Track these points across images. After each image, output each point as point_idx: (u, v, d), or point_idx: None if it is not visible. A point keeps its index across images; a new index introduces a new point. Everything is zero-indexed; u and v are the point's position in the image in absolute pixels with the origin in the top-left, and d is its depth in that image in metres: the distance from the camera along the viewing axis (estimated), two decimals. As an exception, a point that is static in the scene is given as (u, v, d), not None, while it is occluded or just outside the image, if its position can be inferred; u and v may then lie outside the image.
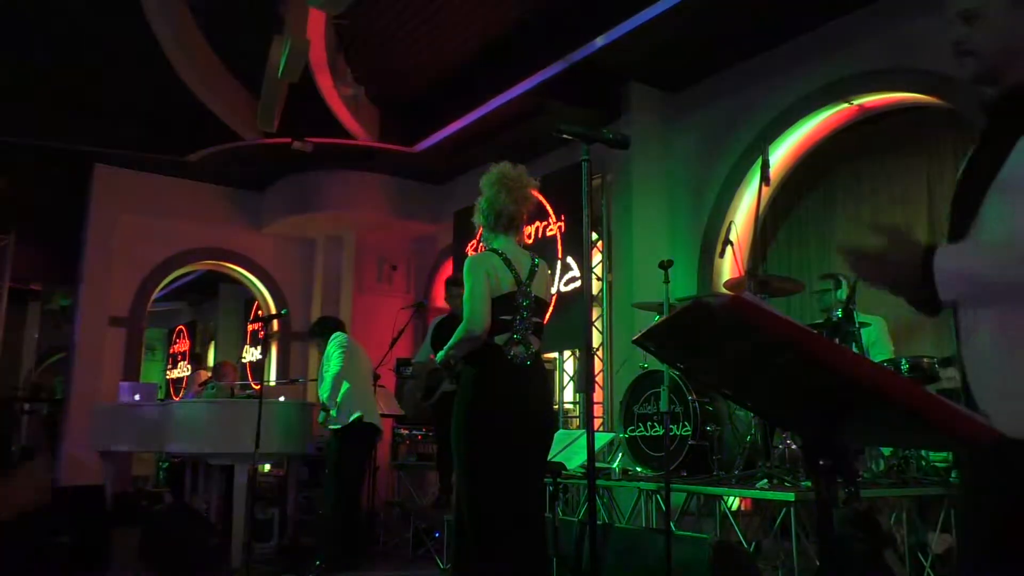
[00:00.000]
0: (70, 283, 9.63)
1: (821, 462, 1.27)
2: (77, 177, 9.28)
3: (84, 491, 6.14)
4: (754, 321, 1.04)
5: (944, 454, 4.23)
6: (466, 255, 8.42)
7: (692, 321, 1.21)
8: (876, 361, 4.54)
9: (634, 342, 1.51)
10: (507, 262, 3.20)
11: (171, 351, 16.02)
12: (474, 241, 8.59)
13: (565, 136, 2.52)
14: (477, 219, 3.37)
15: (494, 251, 3.25)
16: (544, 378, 3.30)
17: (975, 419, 1.03)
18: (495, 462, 3.03)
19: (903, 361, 4.45)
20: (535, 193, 3.35)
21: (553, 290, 5.53)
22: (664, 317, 1.28)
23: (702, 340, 1.29)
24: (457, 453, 3.10)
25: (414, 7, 6.22)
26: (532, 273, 3.25)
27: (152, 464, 9.89)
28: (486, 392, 3.10)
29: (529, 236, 7.83)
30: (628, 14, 5.78)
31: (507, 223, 3.29)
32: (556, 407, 6.67)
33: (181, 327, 15.88)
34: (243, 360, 12.34)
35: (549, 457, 4.15)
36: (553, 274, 7.34)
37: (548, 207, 7.58)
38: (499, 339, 3.13)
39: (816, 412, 1.22)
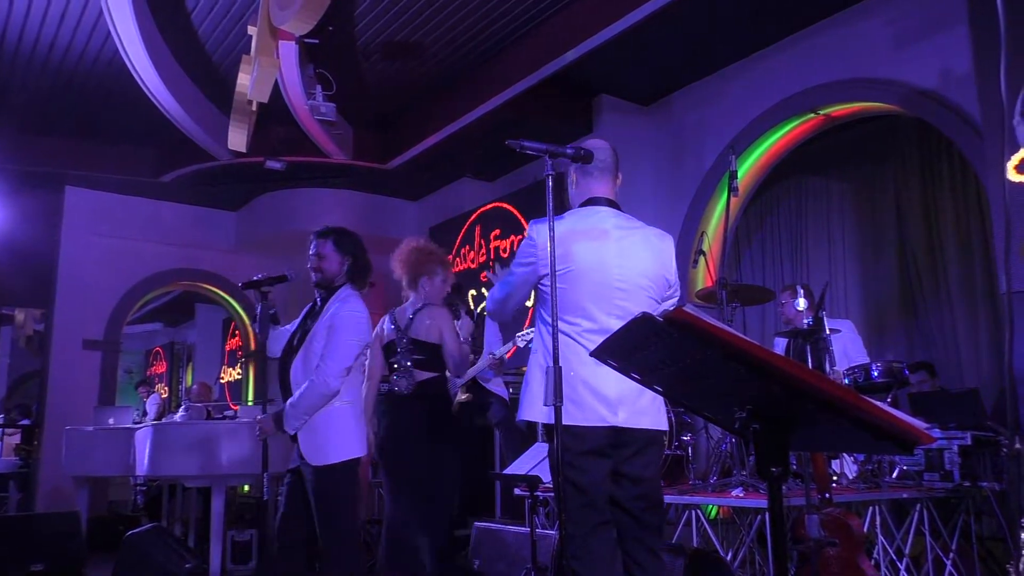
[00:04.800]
0: (43, 307, 9.52)
1: (773, 469, 1.29)
2: (48, 199, 9.20)
3: (59, 517, 6.05)
4: (697, 333, 1.06)
5: (915, 457, 4.28)
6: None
7: (642, 334, 1.23)
8: (854, 367, 4.60)
9: (592, 355, 1.54)
10: (392, 317, 4.19)
11: (148, 373, 15.86)
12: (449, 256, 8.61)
13: (528, 152, 2.55)
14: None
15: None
16: (418, 405, 4.02)
17: (914, 424, 1.06)
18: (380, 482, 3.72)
19: (873, 367, 4.50)
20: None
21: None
22: (617, 331, 1.30)
23: (654, 352, 1.31)
24: None
25: (383, 25, 6.25)
26: (410, 322, 4.11)
27: (128, 488, 9.77)
28: (376, 421, 4.07)
29: (505, 251, 7.87)
30: (598, 28, 5.84)
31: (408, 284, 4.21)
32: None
33: (158, 349, 15.74)
34: (221, 381, 12.24)
35: (528, 470, 4.17)
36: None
37: (523, 221, 7.63)
38: (387, 376, 4.02)
39: (765, 420, 1.24)
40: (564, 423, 2.46)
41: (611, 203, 2.75)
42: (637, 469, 2.59)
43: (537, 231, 2.61)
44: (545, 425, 2.54)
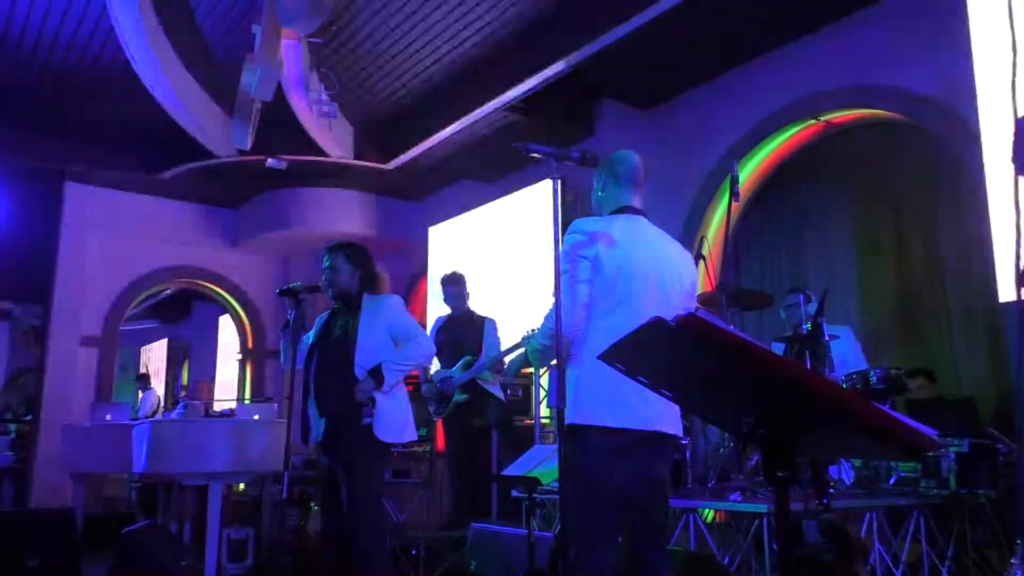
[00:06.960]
0: (41, 302, 9.51)
1: (779, 474, 1.30)
2: (48, 195, 9.19)
3: (55, 514, 6.04)
4: (708, 338, 1.07)
5: (912, 464, 4.29)
6: (444, 271, 8.44)
7: (652, 338, 1.24)
8: (853, 373, 4.61)
9: (600, 358, 1.54)
10: None
11: (145, 370, 15.83)
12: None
13: (533, 155, 2.56)
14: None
15: None
16: None
17: (922, 431, 1.07)
18: None
19: (871, 373, 4.51)
20: None
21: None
22: (627, 334, 1.31)
23: (663, 356, 1.32)
24: None
25: (388, 25, 6.26)
26: None
27: (124, 485, 9.75)
28: None
29: (504, 253, 7.89)
30: (602, 31, 5.85)
31: None
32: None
33: (154, 345, 15.72)
34: (217, 379, 12.22)
35: (525, 472, 4.18)
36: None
37: (524, 222, 7.63)
38: None
39: (773, 425, 1.25)
40: (602, 424, 2.47)
41: (643, 215, 2.79)
42: (656, 471, 2.62)
43: (585, 228, 2.59)
44: (580, 425, 2.48)
